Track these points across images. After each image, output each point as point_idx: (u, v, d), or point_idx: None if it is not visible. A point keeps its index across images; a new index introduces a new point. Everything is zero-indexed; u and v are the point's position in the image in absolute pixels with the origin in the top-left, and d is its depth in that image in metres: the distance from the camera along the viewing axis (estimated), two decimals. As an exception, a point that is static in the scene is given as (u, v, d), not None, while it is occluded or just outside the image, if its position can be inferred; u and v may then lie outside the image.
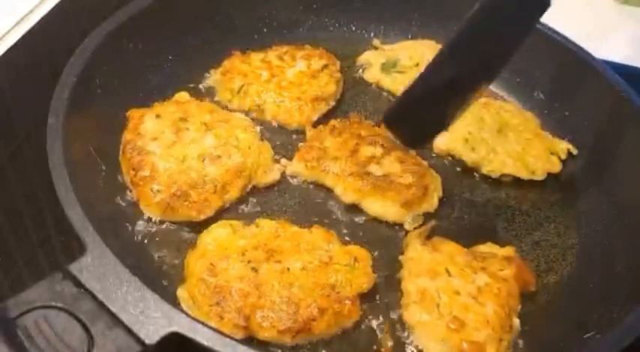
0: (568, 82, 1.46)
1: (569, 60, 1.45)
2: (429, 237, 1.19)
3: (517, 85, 1.52)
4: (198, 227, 1.15)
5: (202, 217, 1.16)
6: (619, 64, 1.52)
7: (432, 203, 1.25)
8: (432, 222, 1.23)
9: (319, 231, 1.14)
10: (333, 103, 1.42)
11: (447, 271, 1.10)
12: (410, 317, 1.07)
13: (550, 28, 1.45)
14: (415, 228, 1.21)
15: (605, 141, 1.37)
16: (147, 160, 1.18)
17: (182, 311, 0.92)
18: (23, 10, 1.54)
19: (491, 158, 1.33)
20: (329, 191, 1.26)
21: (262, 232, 1.12)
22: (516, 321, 1.09)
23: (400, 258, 1.16)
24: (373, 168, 1.24)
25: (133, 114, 1.26)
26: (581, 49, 1.45)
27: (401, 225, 1.22)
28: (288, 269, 1.06)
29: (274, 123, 1.37)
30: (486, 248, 1.19)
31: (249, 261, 1.06)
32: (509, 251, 1.18)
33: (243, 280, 1.04)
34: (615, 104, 1.36)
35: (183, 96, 1.35)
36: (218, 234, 1.11)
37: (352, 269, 1.09)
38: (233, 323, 1.00)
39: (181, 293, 1.05)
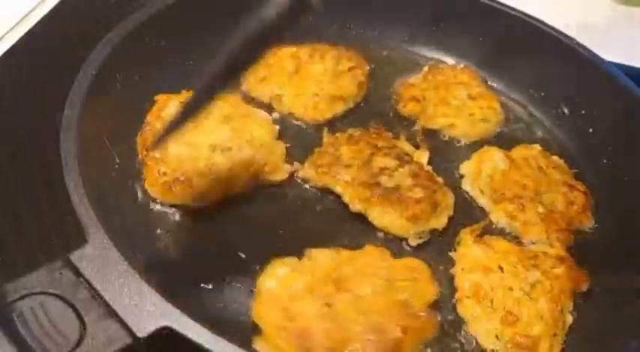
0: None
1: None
2: (481, 235, 1.19)
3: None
4: (207, 222, 1.16)
5: (199, 204, 1.17)
6: (619, 64, 1.47)
7: (440, 221, 1.20)
8: (486, 220, 1.23)
9: (372, 249, 1.11)
10: (351, 105, 1.41)
11: (500, 268, 1.12)
12: (464, 312, 1.09)
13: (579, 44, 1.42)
14: (467, 226, 1.21)
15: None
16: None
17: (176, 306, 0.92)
18: (23, 10, 1.54)
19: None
20: (336, 197, 1.24)
21: (319, 263, 1.08)
22: (569, 318, 1.10)
23: (451, 254, 1.17)
24: (384, 180, 1.22)
25: (160, 98, 1.28)
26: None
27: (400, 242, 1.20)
28: (360, 296, 1.03)
29: (294, 121, 1.37)
30: (538, 247, 1.18)
31: (320, 298, 1.02)
32: (560, 250, 1.18)
33: (321, 318, 1.00)
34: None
35: None
36: (277, 275, 1.06)
37: (416, 282, 1.06)
38: None
39: (261, 345, 0.99)
